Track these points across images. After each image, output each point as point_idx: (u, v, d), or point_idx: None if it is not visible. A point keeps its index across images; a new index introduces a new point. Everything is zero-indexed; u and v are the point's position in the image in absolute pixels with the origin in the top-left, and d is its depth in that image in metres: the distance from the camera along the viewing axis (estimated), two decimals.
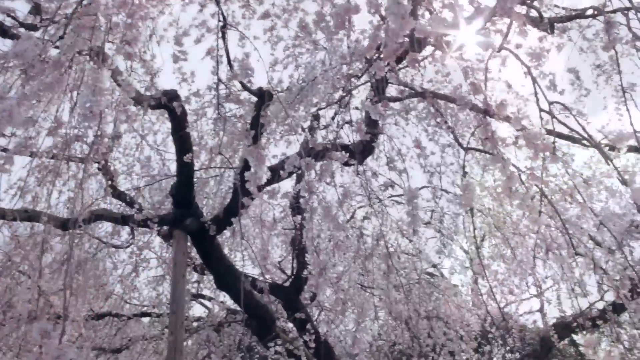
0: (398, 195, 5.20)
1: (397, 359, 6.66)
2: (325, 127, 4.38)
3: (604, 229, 2.86)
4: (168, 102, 3.73)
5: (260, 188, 2.50)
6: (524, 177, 2.26)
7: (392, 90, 4.54)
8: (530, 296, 8.09)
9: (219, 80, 3.05)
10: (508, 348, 7.80)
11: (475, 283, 4.95)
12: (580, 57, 4.01)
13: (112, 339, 6.76)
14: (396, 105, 4.58)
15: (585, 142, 2.10)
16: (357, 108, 3.77)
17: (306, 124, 4.83)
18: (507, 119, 2.11)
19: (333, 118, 3.02)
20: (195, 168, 5.14)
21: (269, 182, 3.53)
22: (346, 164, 3.88)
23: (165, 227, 4.64)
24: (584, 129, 2.14)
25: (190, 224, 4.35)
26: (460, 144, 3.68)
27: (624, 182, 1.92)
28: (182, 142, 4.08)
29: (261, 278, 5.83)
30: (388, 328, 6.89)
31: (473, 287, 6.07)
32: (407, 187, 2.49)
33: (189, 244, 4.62)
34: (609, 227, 2.70)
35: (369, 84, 4.42)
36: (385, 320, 6.35)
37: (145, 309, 6.67)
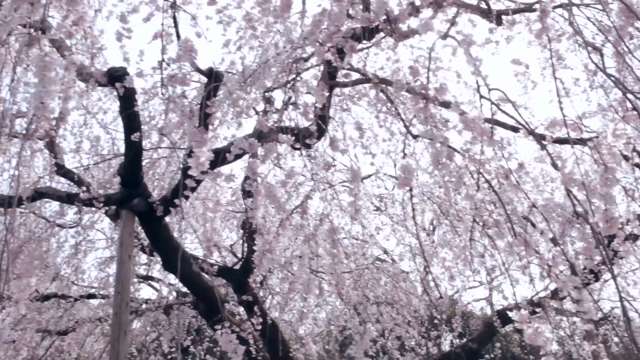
0: (349, 180, 5.24)
1: (347, 344, 6.75)
2: (277, 110, 4.37)
3: (542, 215, 2.95)
4: (115, 80, 3.65)
5: (205, 171, 2.48)
6: (461, 159, 2.32)
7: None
8: (478, 284, 8.32)
9: (163, 60, 3.01)
10: (456, 334, 7.99)
11: (425, 270, 5.06)
12: (528, 51, 4.12)
13: (58, 321, 6.64)
14: (348, 91, 4.61)
15: (521, 129, 2.16)
16: (309, 93, 3.77)
17: (260, 108, 4.81)
18: (446, 104, 2.15)
19: (284, 102, 3.02)
20: (145, 148, 5.08)
21: (215, 164, 3.51)
22: (298, 147, 3.90)
23: (112, 207, 4.56)
24: (520, 115, 2.20)
25: (137, 204, 4.29)
26: (409, 132, 3.73)
27: (555, 167, 1.99)
28: (130, 121, 4.00)
29: (211, 260, 5.82)
30: (338, 313, 6.99)
31: (421, 273, 6.19)
32: (350, 167, 2.51)
33: (136, 224, 4.57)
34: (543, 213, 2.79)
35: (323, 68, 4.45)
36: (335, 305, 6.43)
37: (93, 290, 6.57)
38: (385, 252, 6.44)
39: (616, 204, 1.93)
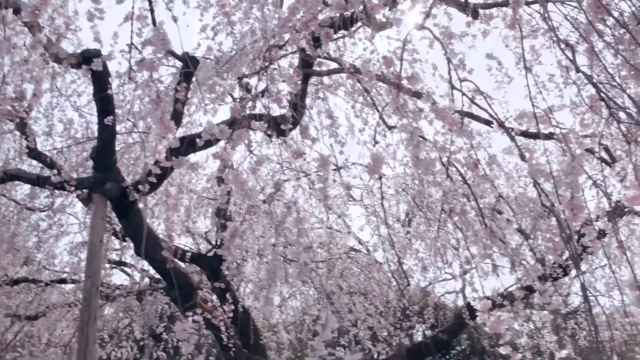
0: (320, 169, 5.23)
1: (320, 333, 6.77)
2: (251, 97, 4.35)
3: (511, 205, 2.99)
4: (88, 62, 3.59)
5: (168, 158, 2.46)
6: (432, 148, 2.34)
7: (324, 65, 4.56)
8: (452, 277, 8.41)
9: (132, 44, 2.96)
10: (428, 325, 8.08)
11: (398, 261, 5.10)
12: (504, 45, 4.15)
13: (28, 306, 6.56)
14: (326, 80, 4.60)
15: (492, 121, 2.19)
16: (284, 81, 3.76)
17: (237, 95, 4.78)
18: (418, 94, 2.16)
19: (263, 92, 3.00)
20: (120, 132, 5.03)
21: (187, 151, 3.49)
22: (271, 135, 3.89)
23: (84, 191, 4.51)
24: (490, 107, 2.22)
25: (110, 189, 4.24)
26: (384, 122, 3.74)
27: (522, 158, 2.01)
28: (104, 104, 3.95)
29: (185, 247, 5.79)
30: (312, 302, 7.01)
31: (395, 264, 6.23)
32: (320, 154, 2.52)
33: (109, 209, 4.52)
34: (510, 204, 2.82)
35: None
36: (308, 294, 6.45)
37: (65, 275, 6.50)
38: (360, 242, 6.48)
39: (582, 192, 1.96)
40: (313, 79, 4.75)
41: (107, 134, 4.11)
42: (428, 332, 7.90)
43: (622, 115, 2.34)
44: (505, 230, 4.49)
